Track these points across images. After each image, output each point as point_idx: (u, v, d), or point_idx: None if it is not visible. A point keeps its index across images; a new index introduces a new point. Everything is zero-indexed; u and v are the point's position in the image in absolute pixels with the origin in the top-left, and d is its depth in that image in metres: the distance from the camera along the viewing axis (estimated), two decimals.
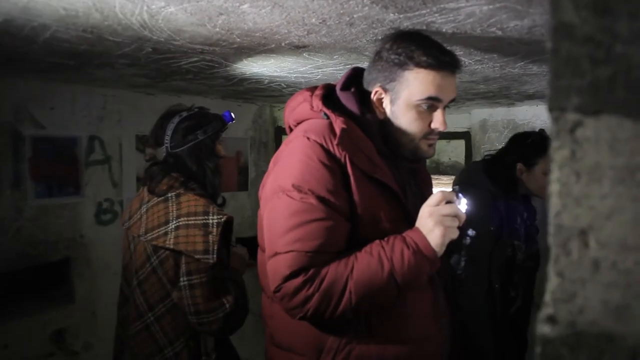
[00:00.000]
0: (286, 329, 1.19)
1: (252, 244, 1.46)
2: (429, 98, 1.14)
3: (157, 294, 1.52)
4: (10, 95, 2.26)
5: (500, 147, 2.17)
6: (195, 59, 1.65)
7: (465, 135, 3.33)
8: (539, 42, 1.27)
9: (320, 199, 1.06)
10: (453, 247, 1.25)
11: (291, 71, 1.87)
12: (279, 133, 3.65)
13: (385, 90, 1.18)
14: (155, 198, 1.57)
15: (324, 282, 1.04)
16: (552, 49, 0.37)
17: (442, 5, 1.02)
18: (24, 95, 2.30)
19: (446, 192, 1.12)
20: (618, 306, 0.37)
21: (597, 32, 0.36)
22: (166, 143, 1.62)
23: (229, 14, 1.11)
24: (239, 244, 1.81)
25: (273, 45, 1.42)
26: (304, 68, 1.79)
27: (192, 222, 1.47)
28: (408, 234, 1.09)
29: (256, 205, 1.54)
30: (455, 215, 1.09)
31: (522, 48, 1.36)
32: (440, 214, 1.08)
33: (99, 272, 2.60)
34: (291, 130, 1.28)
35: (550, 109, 0.38)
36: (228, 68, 1.83)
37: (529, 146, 1.97)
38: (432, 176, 1.54)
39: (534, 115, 2.90)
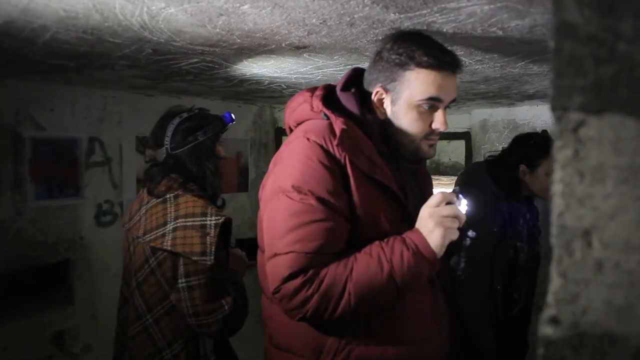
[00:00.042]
0: (285, 330, 1.19)
1: (252, 245, 1.46)
2: (430, 98, 1.14)
3: (156, 296, 1.51)
4: (10, 96, 2.25)
5: (500, 147, 2.17)
6: (196, 60, 1.65)
7: (466, 136, 3.32)
8: (539, 41, 1.27)
9: (320, 200, 1.06)
10: (453, 248, 1.25)
11: (291, 72, 1.87)
12: (279, 134, 3.65)
13: (386, 91, 1.18)
14: (154, 199, 1.57)
15: (323, 283, 1.04)
16: (555, 48, 0.37)
17: (442, 5, 1.02)
18: (24, 96, 2.29)
19: (446, 193, 1.12)
20: (621, 307, 0.36)
21: (600, 31, 0.36)
22: (166, 144, 1.62)
23: (229, 14, 1.11)
24: (237, 247, 1.80)
25: (273, 46, 1.42)
26: (305, 69, 1.79)
27: (190, 223, 1.47)
28: (408, 235, 1.09)
29: (256, 206, 1.53)
30: (456, 217, 1.09)
31: (523, 48, 1.36)
32: (441, 215, 1.07)
33: (99, 273, 2.60)
34: (291, 131, 1.28)
35: (553, 109, 0.37)
36: (228, 69, 1.83)
37: (532, 147, 1.96)
38: (432, 177, 1.54)
39: (535, 115, 2.90)
